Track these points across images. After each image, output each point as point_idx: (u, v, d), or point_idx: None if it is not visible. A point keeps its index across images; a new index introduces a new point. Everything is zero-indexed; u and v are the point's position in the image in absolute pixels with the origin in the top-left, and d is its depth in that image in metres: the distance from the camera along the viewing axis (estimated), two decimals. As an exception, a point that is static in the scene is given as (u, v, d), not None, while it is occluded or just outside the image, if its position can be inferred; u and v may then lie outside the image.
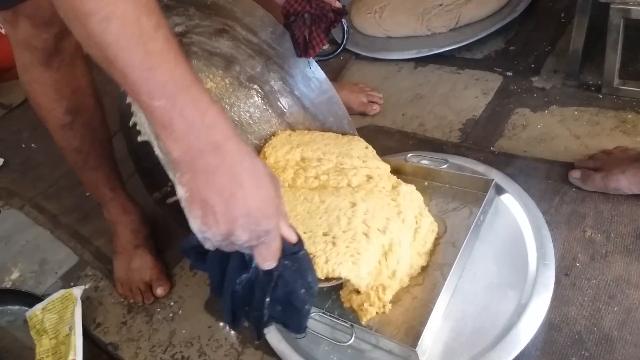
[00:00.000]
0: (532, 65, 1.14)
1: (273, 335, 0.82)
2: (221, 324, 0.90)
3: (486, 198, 0.84)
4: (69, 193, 1.24)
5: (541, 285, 0.76)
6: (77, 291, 0.93)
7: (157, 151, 0.67)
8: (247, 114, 0.99)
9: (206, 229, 0.48)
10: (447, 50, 1.24)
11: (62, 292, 0.93)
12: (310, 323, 0.78)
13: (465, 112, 1.10)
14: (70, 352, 0.83)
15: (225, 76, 0.93)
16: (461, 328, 0.75)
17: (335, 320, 0.77)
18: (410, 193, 0.84)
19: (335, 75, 1.31)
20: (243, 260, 0.53)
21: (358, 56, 1.35)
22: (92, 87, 0.91)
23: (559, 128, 0.99)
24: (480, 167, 0.94)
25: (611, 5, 0.89)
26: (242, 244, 0.49)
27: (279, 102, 1.00)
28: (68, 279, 1.06)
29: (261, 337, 0.61)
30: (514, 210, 0.86)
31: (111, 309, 0.99)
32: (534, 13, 1.27)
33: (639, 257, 0.76)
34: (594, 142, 0.94)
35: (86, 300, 1.02)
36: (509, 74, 1.14)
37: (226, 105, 0.94)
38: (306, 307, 0.57)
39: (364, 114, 1.18)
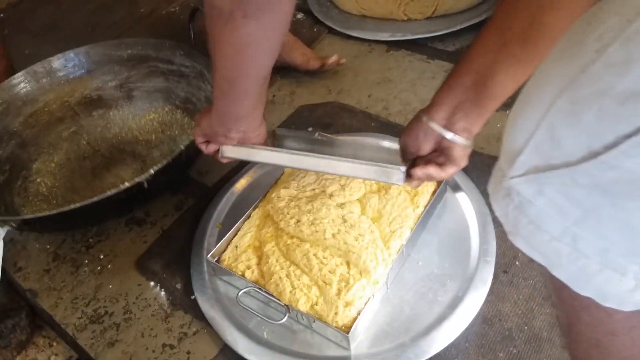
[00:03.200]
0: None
1: (204, 300, 0.79)
2: (152, 283, 0.86)
3: (438, 191, 0.83)
4: None
5: (479, 279, 0.76)
6: (0, 232, 0.87)
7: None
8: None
9: None
10: (421, 38, 1.22)
11: (-18, 230, 0.86)
12: (244, 298, 0.76)
13: (430, 101, 1.08)
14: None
15: (165, 105, 1.12)
16: (397, 314, 0.74)
17: (269, 297, 0.74)
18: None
19: (306, 45, 1.27)
20: None
21: (332, 30, 1.31)
22: None
23: (518, 129, 0.99)
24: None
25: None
26: None
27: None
28: (-8, 219, 0.99)
29: None
30: (463, 205, 0.86)
31: (35, 255, 0.93)
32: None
33: (577, 263, 0.77)
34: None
35: (9, 242, 0.95)
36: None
37: (167, 129, 1.11)
38: None
39: (322, 67, 1.17)
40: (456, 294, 0.75)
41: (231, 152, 0.75)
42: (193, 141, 0.83)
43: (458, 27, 1.20)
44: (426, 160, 0.64)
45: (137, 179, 0.75)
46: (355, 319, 0.70)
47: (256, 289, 0.75)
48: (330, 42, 1.30)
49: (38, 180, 1.02)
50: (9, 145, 1.01)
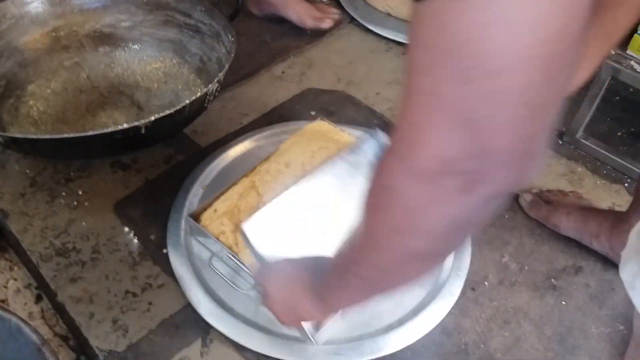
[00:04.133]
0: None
1: (176, 256, 0.79)
2: (126, 228, 0.85)
3: None
4: None
5: (447, 291, 0.77)
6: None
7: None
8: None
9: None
10: (438, 49, 1.22)
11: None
12: (216, 262, 0.76)
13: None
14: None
15: (174, 57, 1.09)
16: (360, 309, 0.75)
17: (240, 265, 0.75)
18: None
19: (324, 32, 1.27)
20: None
21: (353, 21, 1.31)
22: None
23: (513, 157, 1.01)
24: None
25: (605, 61, 0.90)
26: None
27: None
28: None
29: None
30: None
31: (13, 177, 0.92)
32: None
33: (543, 296, 0.79)
34: (540, 181, 0.96)
35: (-11, 159, 0.93)
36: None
37: (171, 81, 1.09)
38: None
39: (318, 29, 1.23)
40: (422, 301, 0.76)
41: None
42: (198, 98, 0.83)
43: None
44: None
45: (136, 122, 0.74)
46: None
47: (230, 255, 0.75)
48: (349, 32, 1.29)
49: (30, 102, 1.00)
50: (8, 60, 0.98)
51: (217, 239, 0.77)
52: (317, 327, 0.67)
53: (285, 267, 0.61)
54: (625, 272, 0.46)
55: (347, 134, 0.91)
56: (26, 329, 0.48)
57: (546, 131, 0.31)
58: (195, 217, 0.80)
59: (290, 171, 0.83)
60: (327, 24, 1.24)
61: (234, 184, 0.83)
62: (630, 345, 0.69)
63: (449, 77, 0.28)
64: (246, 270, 0.74)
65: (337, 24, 1.27)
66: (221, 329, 0.72)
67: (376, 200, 0.37)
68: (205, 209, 0.81)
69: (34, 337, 0.47)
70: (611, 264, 0.82)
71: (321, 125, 0.91)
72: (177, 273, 0.77)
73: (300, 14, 1.23)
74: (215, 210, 0.80)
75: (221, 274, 0.76)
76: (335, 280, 0.51)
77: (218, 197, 0.82)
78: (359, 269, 0.46)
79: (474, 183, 0.31)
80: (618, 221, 0.78)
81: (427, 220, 0.34)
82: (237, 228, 0.76)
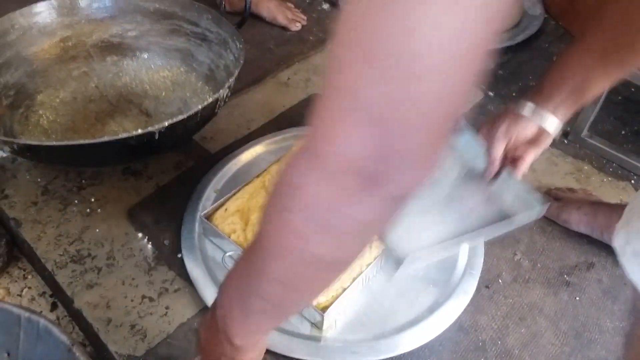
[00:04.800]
0: (514, 94, 1.17)
1: (190, 259, 0.79)
2: (140, 234, 0.85)
3: None
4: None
5: (462, 290, 0.78)
6: (-6, 154, 0.85)
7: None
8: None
9: None
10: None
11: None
12: (230, 261, 0.77)
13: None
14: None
15: (181, 66, 1.10)
16: (377, 306, 0.76)
17: None
18: None
19: (328, 36, 1.29)
20: None
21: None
22: None
23: (520, 157, 1.02)
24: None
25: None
26: None
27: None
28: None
29: None
30: None
31: (24, 185, 0.92)
32: (529, 47, 1.30)
33: (556, 292, 0.80)
34: (547, 180, 0.98)
35: (0, 168, 0.94)
36: (491, 94, 1.16)
37: (179, 89, 1.10)
38: None
39: (286, 29, 1.30)
40: (437, 299, 0.77)
41: None
42: (209, 104, 0.84)
43: (479, 49, 1.23)
44: (525, 145, 0.71)
45: (150, 128, 0.75)
46: (333, 301, 0.71)
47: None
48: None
49: (40, 112, 1.00)
50: (17, 71, 0.99)
51: (229, 237, 0.77)
52: None
53: (206, 315, 0.53)
54: (617, 240, 0.51)
55: None
56: (55, 330, 0.48)
57: (446, 137, 0.32)
58: (208, 217, 0.80)
59: None
60: (297, 27, 1.31)
61: (246, 184, 0.84)
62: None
63: (368, 77, 0.28)
64: None
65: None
66: None
67: (281, 201, 0.35)
68: (217, 209, 0.81)
69: (64, 337, 0.47)
70: (622, 259, 0.83)
71: None
72: (192, 275, 0.78)
73: (272, 10, 1.30)
74: (226, 210, 0.81)
75: None
76: (236, 313, 0.46)
77: (230, 198, 0.82)
78: (258, 288, 0.41)
79: (378, 184, 0.31)
80: (612, 214, 0.79)
81: (331, 220, 0.33)
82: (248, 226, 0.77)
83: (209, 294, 0.76)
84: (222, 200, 0.82)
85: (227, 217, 0.80)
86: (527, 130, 0.70)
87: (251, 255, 0.42)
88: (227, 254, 0.77)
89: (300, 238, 0.35)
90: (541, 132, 0.70)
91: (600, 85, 0.67)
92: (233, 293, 0.45)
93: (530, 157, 0.70)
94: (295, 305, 0.44)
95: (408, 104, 0.28)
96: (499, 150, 0.70)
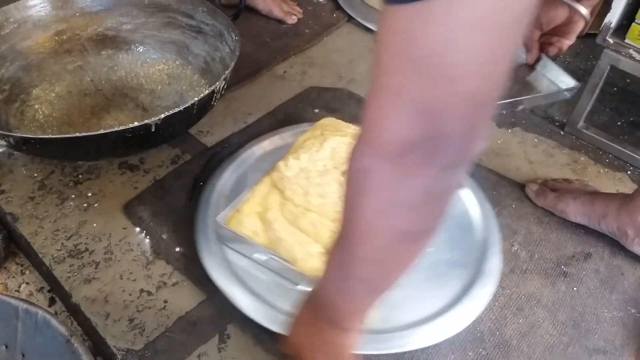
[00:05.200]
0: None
1: (215, 269, 0.76)
2: (137, 229, 0.85)
3: None
4: None
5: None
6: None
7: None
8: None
9: None
10: (437, 45, 1.24)
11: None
12: (256, 265, 0.76)
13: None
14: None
15: (177, 59, 1.10)
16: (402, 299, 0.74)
17: (285, 264, 0.74)
18: None
19: (323, 29, 1.28)
20: None
21: (351, 20, 1.32)
22: None
23: (516, 148, 1.03)
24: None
25: (604, 50, 0.92)
26: None
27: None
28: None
29: None
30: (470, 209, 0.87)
31: (21, 181, 0.91)
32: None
33: (554, 283, 0.80)
34: (544, 171, 0.98)
35: (-4, 163, 0.93)
36: None
37: (175, 82, 1.09)
38: None
39: (282, 22, 1.30)
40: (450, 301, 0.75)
41: None
42: (205, 96, 0.83)
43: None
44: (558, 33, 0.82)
45: (147, 120, 0.75)
46: None
47: (273, 257, 0.74)
48: (349, 31, 1.31)
49: (36, 106, 1.00)
50: (12, 65, 0.98)
51: (252, 239, 0.75)
52: None
53: (295, 317, 0.58)
54: None
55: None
56: (54, 322, 0.48)
57: (489, 116, 0.38)
58: (224, 223, 0.77)
59: (312, 165, 0.82)
60: (293, 20, 1.30)
61: (256, 184, 0.82)
62: None
63: (414, 80, 0.34)
64: (291, 267, 0.73)
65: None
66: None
67: (355, 188, 0.41)
68: (232, 214, 0.78)
69: (62, 329, 0.47)
70: (619, 249, 0.83)
71: (331, 121, 0.92)
72: (219, 284, 0.74)
73: (268, 3, 1.29)
74: (238, 211, 0.78)
75: (266, 274, 0.75)
76: (336, 297, 0.50)
77: (243, 201, 0.79)
78: (354, 271, 0.46)
79: (431, 157, 0.36)
80: (625, 201, 0.80)
81: (402, 194, 0.39)
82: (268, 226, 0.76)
83: (244, 302, 0.72)
84: (234, 204, 0.79)
85: (243, 219, 0.77)
86: (557, 16, 0.77)
87: (340, 244, 0.46)
88: (259, 256, 0.76)
89: (382, 216, 0.41)
90: (571, 17, 0.76)
91: None
92: (331, 283, 0.50)
93: (565, 45, 0.81)
94: (390, 281, 0.48)
95: (449, 100, 0.34)
96: (534, 37, 0.82)
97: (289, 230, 0.75)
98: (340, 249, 0.47)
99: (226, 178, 0.89)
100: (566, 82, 0.87)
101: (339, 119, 1.05)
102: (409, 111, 0.35)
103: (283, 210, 0.78)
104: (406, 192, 0.38)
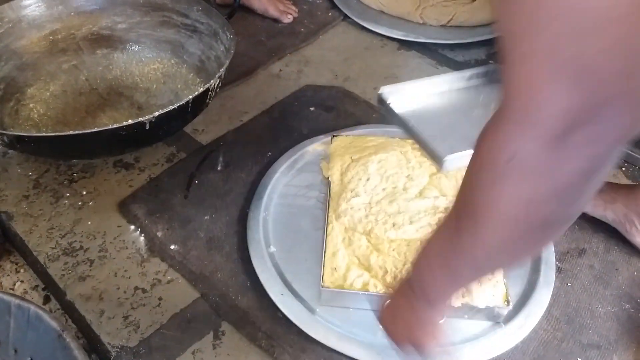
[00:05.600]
0: (505, 83, 1.17)
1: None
2: (132, 227, 0.85)
3: None
4: None
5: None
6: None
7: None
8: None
9: None
10: (433, 43, 1.24)
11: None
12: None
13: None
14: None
15: (172, 58, 1.10)
16: None
17: None
18: None
19: (319, 27, 1.28)
20: None
21: (347, 19, 1.32)
22: None
23: (512, 146, 1.03)
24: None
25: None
26: None
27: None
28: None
29: None
30: None
31: (15, 179, 0.91)
32: (520, 38, 1.30)
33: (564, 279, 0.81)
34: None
35: (-10, 162, 0.93)
36: (482, 84, 1.16)
37: (170, 81, 1.09)
38: None
39: (278, 21, 1.30)
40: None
41: None
42: (200, 94, 0.83)
43: (470, 40, 1.23)
44: None
45: (141, 118, 0.75)
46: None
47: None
48: (344, 30, 1.31)
49: (31, 105, 1.00)
50: (7, 64, 0.98)
51: (369, 292, 0.71)
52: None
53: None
54: None
55: (369, 138, 0.93)
56: (46, 317, 0.48)
57: None
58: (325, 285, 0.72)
59: (375, 197, 0.81)
60: (288, 19, 1.30)
61: (325, 234, 0.77)
62: None
63: (563, 34, 0.29)
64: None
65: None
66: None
67: (494, 172, 0.36)
68: (324, 275, 0.73)
69: (54, 324, 0.47)
70: (614, 245, 0.84)
71: (343, 140, 0.93)
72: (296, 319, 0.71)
73: (263, 2, 1.29)
74: (335, 269, 0.73)
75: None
76: (438, 277, 0.48)
77: (323, 260, 0.74)
78: (471, 258, 0.43)
79: (602, 131, 0.31)
80: (634, 188, 0.80)
81: (555, 178, 0.34)
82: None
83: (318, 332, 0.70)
84: (322, 265, 0.73)
85: (345, 274, 0.72)
86: None
87: (460, 229, 0.42)
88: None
89: (527, 207, 0.36)
90: None
91: None
92: (436, 263, 0.47)
93: None
94: (508, 266, 0.47)
95: (605, 52, 0.29)
96: None
97: (403, 268, 0.73)
98: (459, 235, 0.42)
99: (267, 198, 0.86)
100: None
101: (334, 116, 1.05)
102: (564, 74, 0.30)
103: (382, 252, 0.75)
104: (561, 175, 0.33)
